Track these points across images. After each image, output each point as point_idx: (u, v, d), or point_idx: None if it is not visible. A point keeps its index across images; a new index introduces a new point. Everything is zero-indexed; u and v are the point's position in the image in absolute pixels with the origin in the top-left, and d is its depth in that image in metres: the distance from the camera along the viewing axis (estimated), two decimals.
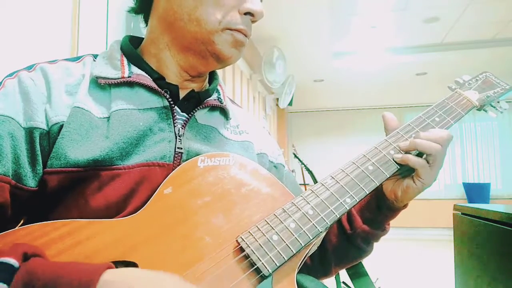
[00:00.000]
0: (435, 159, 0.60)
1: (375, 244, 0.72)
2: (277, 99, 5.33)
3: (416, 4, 3.32)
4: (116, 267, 0.46)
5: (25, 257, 0.41)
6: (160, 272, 0.41)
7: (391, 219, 0.68)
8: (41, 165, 0.52)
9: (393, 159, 0.62)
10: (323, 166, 3.22)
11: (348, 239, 0.69)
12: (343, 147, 6.21)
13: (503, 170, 6.03)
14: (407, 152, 0.62)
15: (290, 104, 5.11)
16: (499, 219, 1.22)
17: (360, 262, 1.14)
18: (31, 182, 0.51)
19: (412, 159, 0.60)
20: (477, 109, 0.75)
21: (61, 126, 0.52)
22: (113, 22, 1.51)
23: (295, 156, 2.89)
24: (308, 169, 2.53)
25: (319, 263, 0.72)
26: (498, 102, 0.77)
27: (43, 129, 0.52)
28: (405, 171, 0.63)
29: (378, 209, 0.67)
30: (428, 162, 0.60)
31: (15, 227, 0.47)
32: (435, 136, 0.61)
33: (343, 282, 1.87)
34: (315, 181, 2.28)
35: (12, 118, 0.51)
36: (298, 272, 0.53)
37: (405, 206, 0.67)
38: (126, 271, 0.41)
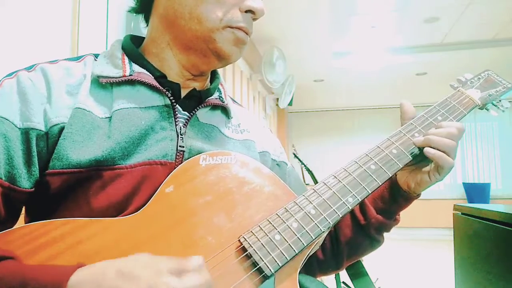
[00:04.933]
0: (449, 155, 0.62)
1: (389, 232, 0.73)
2: (277, 99, 5.33)
3: (416, 4, 3.32)
4: None
5: None
6: (129, 260, 0.41)
7: (404, 208, 0.69)
8: (37, 166, 0.52)
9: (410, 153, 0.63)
10: (323, 166, 3.22)
11: (362, 230, 0.70)
12: (343, 147, 6.21)
13: (503, 170, 6.03)
14: (421, 147, 0.63)
15: (290, 104, 5.10)
16: (499, 219, 1.22)
17: (360, 262, 1.14)
18: (25, 183, 0.51)
19: (431, 152, 0.61)
20: (479, 108, 0.75)
21: (62, 128, 0.52)
22: (113, 22, 1.50)
23: (295, 156, 2.88)
24: (308, 169, 2.53)
25: (331, 256, 0.72)
26: (500, 100, 0.77)
27: (40, 130, 0.52)
28: (419, 160, 0.64)
29: (392, 199, 0.68)
30: None
31: (11, 227, 0.47)
32: (447, 132, 0.62)
33: (343, 282, 1.87)
34: (315, 181, 2.28)
35: (6, 119, 0.50)
36: (301, 271, 0.53)
37: (418, 195, 0.68)
38: (94, 268, 0.40)
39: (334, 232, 0.72)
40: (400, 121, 0.70)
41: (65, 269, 0.39)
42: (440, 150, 0.61)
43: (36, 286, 0.38)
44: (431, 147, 0.61)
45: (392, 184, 0.68)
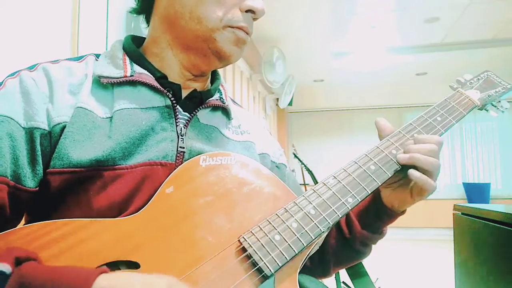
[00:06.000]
0: (433, 174, 0.60)
1: (376, 244, 0.72)
2: (277, 99, 5.34)
3: (416, 4, 3.32)
4: (118, 267, 0.46)
5: (18, 262, 0.40)
6: (155, 276, 0.41)
7: (389, 223, 0.69)
8: (41, 165, 0.52)
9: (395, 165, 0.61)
10: (323, 166, 3.22)
11: (346, 243, 0.70)
12: (343, 147, 6.21)
13: (503, 170, 6.02)
14: (404, 165, 0.61)
15: (290, 104, 5.11)
16: (499, 219, 1.22)
17: (360, 262, 1.14)
18: (30, 182, 0.51)
19: (416, 176, 0.59)
20: (479, 109, 0.75)
21: (64, 127, 0.52)
22: (113, 22, 1.50)
23: (295, 156, 2.88)
24: (308, 169, 2.53)
25: (318, 263, 0.72)
26: (499, 101, 0.77)
27: (44, 129, 0.52)
28: (404, 176, 0.63)
29: (376, 216, 0.67)
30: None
31: (15, 227, 0.47)
32: (429, 149, 0.60)
33: (343, 282, 1.87)
34: (315, 181, 2.28)
35: (12, 118, 0.50)
36: (299, 272, 0.53)
37: (403, 212, 0.67)
38: (119, 276, 0.40)
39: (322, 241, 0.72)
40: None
41: (88, 272, 0.39)
42: (424, 169, 0.59)
43: None
44: (416, 168, 0.60)
45: (377, 200, 0.67)
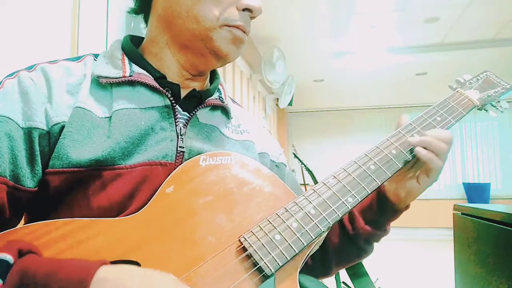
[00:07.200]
0: (441, 158, 0.62)
1: (375, 244, 0.72)
2: (277, 99, 5.33)
3: (416, 4, 3.32)
4: None
5: (20, 254, 0.41)
6: (156, 272, 0.41)
7: (393, 219, 0.69)
8: (40, 165, 0.52)
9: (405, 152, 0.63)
10: (323, 166, 3.22)
11: (350, 240, 0.70)
12: (343, 147, 6.21)
13: (503, 170, 6.03)
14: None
15: (290, 104, 5.11)
16: (499, 219, 1.22)
17: (360, 262, 1.14)
18: (29, 182, 0.51)
19: (423, 153, 0.62)
20: (478, 109, 0.75)
21: (62, 127, 0.52)
22: (113, 22, 1.51)
23: (295, 156, 2.88)
24: (308, 169, 2.53)
25: (320, 263, 0.72)
26: (499, 101, 0.77)
27: (43, 129, 0.52)
28: (408, 168, 0.64)
29: (380, 211, 0.67)
30: None
31: (15, 227, 0.47)
32: (441, 136, 0.62)
33: (343, 282, 1.87)
34: (315, 181, 2.28)
35: (10, 118, 0.50)
36: (299, 272, 0.53)
37: (407, 207, 0.67)
38: (121, 269, 0.40)
39: (323, 240, 0.72)
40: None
41: (90, 264, 0.40)
42: (434, 151, 0.61)
43: (61, 280, 0.38)
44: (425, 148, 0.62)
45: (381, 196, 0.67)
